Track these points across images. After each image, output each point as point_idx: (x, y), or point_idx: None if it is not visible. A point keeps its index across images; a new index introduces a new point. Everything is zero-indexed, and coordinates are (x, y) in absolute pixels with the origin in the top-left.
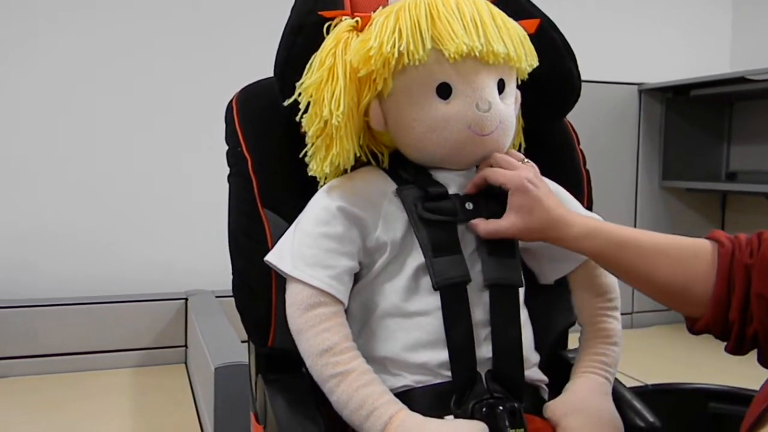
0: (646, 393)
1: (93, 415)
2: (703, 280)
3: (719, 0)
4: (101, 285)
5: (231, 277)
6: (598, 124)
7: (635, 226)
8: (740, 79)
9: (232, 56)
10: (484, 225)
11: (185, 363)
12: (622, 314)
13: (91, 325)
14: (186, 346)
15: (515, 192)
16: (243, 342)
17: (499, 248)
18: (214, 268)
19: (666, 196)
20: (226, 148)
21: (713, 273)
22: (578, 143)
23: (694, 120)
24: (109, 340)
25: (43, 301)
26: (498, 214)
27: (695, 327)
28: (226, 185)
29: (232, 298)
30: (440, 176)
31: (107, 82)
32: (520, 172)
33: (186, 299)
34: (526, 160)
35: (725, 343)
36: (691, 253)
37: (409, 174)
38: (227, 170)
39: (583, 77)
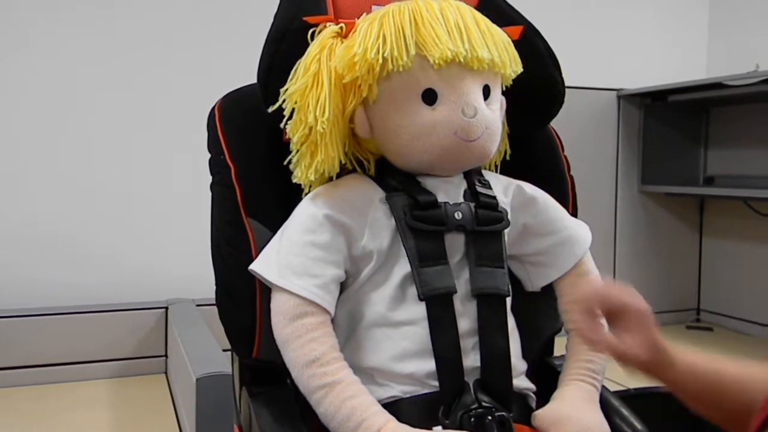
0: (629, 397)
1: (71, 427)
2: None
3: (696, 7)
4: (79, 293)
5: (212, 284)
6: (577, 130)
7: (615, 230)
8: (717, 85)
9: (217, 63)
10: (613, 347)
11: (165, 373)
12: None
13: (69, 335)
14: (166, 355)
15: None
16: (225, 351)
17: (487, 257)
18: (195, 276)
19: (645, 201)
20: (208, 156)
21: None
22: (562, 150)
23: (672, 125)
24: (87, 350)
25: (19, 311)
26: (488, 221)
27: None
28: (208, 192)
29: (214, 307)
30: (427, 183)
31: (90, 84)
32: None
33: (166, 308)
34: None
35: None
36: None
37: (397, 181)
38: (209, 177)
39: None
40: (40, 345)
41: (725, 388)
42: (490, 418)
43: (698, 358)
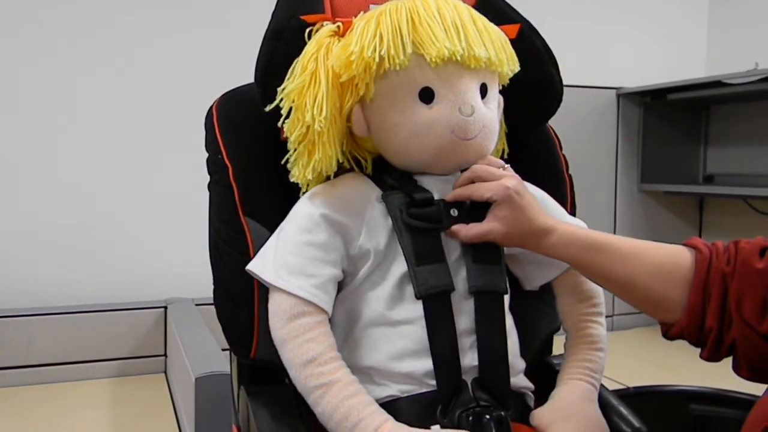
0: (628, 396)
1: (70, 427)
2: (680, 287)
3: (695, 5)
4: (77, 292)
5: (211, 284)
6: (576, 129)
7: (614, 229)
8: (716, 83)
9: (215, 62)
10: (465, 231)
11: (165, 372)
12: None
13: (68, 335)
14: (166, 355)
15: (501, 203)
16: (224, 350)
17: (484, 255)
18: (194, 275)
19: (645, 199)
20: (206, 155)
21: (691, 280)
22: (561, 148)
23: (672, 123)
24: (86, 349)
25: (16, 310)
26: (483, 220)
27: (670, 332)
28: (206, 191)
29: (213, 306)
30: (424, 181)
31: (89, 83)
32: (503, 181)
33: (165, 307)
34: (506, 165)
35: (700, 349)
36: (670, 259)
37: (394, 180)
38: (207, 177)
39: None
40: (38, 344)
41: (607, 256)
42: (488, 416)
43: (587, 231)
